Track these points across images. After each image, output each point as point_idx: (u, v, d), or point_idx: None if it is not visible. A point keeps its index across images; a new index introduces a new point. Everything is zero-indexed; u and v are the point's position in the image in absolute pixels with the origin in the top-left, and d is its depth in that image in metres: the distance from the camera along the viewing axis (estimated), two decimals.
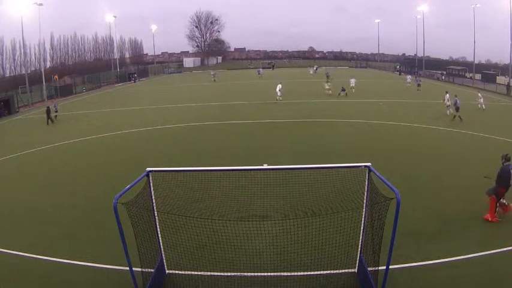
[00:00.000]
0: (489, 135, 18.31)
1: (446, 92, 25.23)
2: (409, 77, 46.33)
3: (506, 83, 40.67)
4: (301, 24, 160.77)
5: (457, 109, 22.33)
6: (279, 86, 32.96)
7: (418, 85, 38.66)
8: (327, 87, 36.33)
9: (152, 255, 6.38)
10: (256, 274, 6.84)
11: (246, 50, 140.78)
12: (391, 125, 21.40)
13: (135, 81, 66.05)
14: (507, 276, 6.80)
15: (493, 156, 14.65)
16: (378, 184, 6.05)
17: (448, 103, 23.89)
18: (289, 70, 78.65)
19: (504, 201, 9.24)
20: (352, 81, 37.57)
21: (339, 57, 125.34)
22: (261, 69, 68.18)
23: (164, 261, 7.04)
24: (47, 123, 25.69)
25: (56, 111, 28.10)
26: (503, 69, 56.50)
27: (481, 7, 55.12)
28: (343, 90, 34.29)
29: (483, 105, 26.99)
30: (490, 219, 9.09)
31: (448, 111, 23.80)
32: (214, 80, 56.79)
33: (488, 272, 6.94)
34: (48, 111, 26.09)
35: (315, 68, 69.83)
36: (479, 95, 27.71)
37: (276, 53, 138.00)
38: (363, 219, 6.59)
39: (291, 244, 7.51)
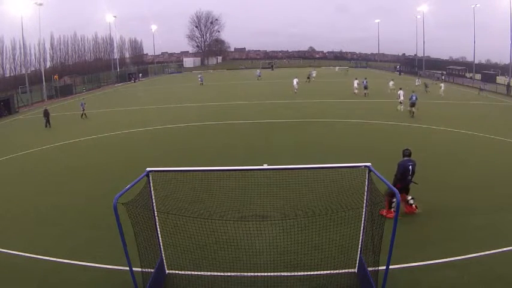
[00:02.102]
0: (489, 135, 18.33)
1: (400, 88, 26.01)
2: (417, 79, 45.13)
3: (506, 83, 40.68)
4: (301, 24, 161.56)
5: (412, 105, 22.68)
6: (296, 80, 35.82)
7: (426, 86, 37.70)
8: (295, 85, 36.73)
9: (152, 255, 6.37)
10: (256, 274, 6.83)
11: (246, 50, 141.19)
12: (391, 125, 21.41)
13: (135, 81, 66.12)
14: (507, 276, 6.80)
15: (493, 157, 14.78)
16: (378, 184, 6.05)
17: (400, 99, 24.27)
18: (289, 70, 78.55)
19: (411, 201, 9.13)
20: (391, 84, 37.05)
21: (339, 57, 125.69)
22: (258, 71, 62.66)
23: (164, 261, 7.04)
24: (45, 125, 24.58)
25: (83, 110, 27.79)
26: (503, 69, 56.57)
27: (481, 7, 55.42)
28: (366, 88, 34.66)
29: (442, 93, 32.15)
30: (384, 214, 8.59)
31: (399, 107, 24.12)
32: (202, 84, 51.09)
33: (488, 272, 6.93)
34: (45, 114, 24.80)
35: (346, 68, 68.74)
36: (441, 84, 33.74)
37: (276, 53, 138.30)
38: (362, 219, 6.59)
39: (291, 244, 7.50)
